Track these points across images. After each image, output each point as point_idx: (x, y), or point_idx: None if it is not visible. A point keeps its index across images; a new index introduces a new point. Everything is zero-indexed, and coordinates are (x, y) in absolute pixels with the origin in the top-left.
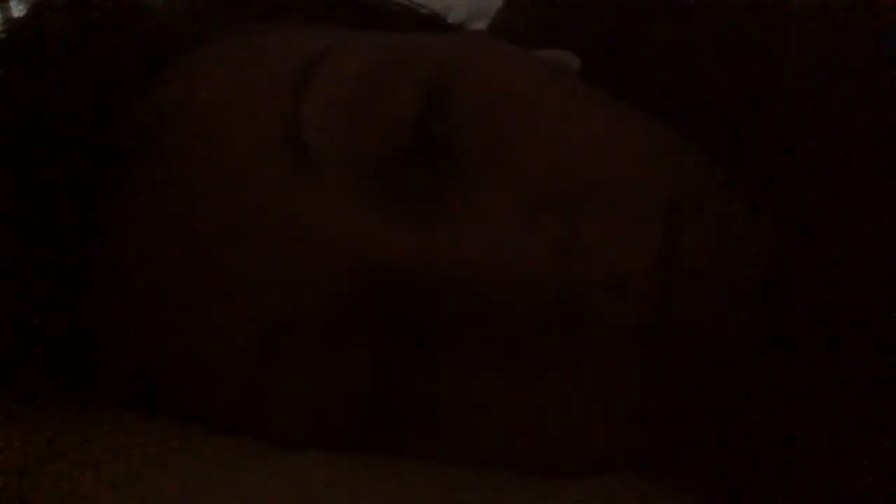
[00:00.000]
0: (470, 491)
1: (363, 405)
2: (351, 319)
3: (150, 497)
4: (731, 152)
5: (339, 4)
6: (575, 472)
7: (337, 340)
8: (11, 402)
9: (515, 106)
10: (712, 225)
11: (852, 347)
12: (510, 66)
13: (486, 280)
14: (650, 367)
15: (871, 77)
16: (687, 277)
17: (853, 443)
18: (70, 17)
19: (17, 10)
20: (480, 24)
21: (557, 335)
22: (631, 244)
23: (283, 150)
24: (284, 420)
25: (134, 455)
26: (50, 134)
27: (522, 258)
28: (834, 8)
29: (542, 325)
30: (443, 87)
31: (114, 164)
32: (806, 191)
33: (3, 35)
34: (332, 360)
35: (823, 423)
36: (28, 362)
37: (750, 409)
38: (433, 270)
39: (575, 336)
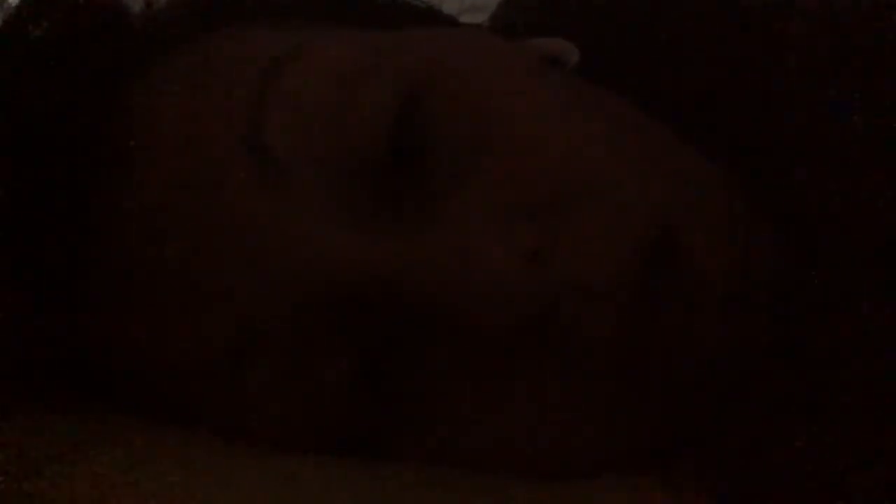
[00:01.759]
0: (466, 493)
1: (341, 412)
2: (325, 328)
3: (148, 499)
4: (732, 152)
5: (326, 1)
6: (567, 476)
7: (312, 348)
8: (9, 404)
9: (495, 109)
10: (712, 228)
11: (854, 350)
12: (494, 66)
13: (459, 289)
14: (639, 372)
15: (871, 76)
16: (682, 282)
17: (853, 443)
18: (51, 21)
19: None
20: (473, 18)
21: (534, 343)
22: (604, 253)
23: (250, 160)
24: (266, 425)
25: (131, 457)
26: (20, 140)
27: (496, 267)
28: (835, 8)
29: (517, 334)
30: (418, 91)
31: (84, 174)
32: (807, 192)
33: None
34: (308, 367)
35: (823, 424)
36: (24, 365)
37: (748, 411)
38: (406, 280)
39: (552, 344)
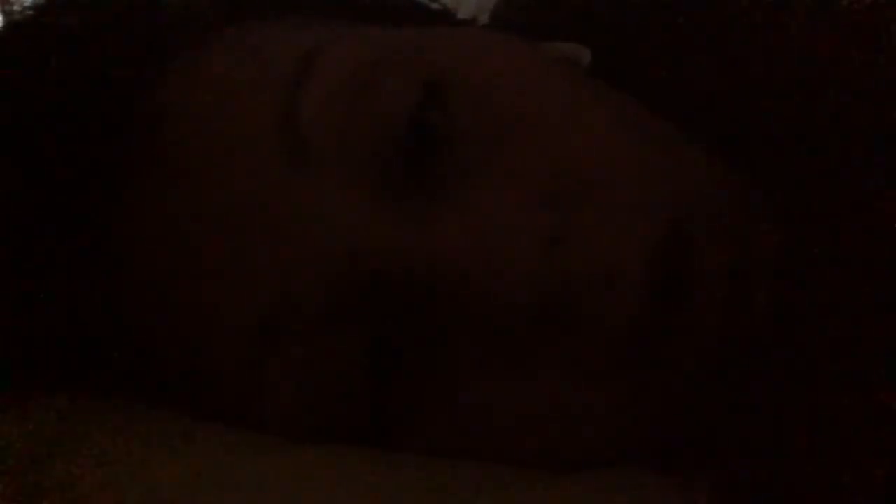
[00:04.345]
0: (472, 486)
1: (359, 396)
2: (346, 311)
3: (154, 490)
4: (737, 151)
5: (346, 0)
6: (574, 467)
7: (333, 331)
8: (15, 396)
9: (516, 101)
10: (718, 225)
11: (856, 348)
12: (512, 62)
13: (477, 274)
14: (644, 366)
15: (873, 74)
16: (691, 276)
17: (854, 443)
18: (74, 14)
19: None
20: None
21: (549, 330)
22: (625, 241)
23: (282, 144)
24: (282, 410)
25: (138, 448)
26: (52, 129)
27: (512, 253)
28: (835, 6)
29: (532, 320)
30: (440, 82)
31: (116, 158)
32: (811, 190)
33: (7, 31)
34: (328, 350)
35: (824, 423)
36: (31, 356)
37: (750, 410)
38: (426, 264)
39: (567, 331)
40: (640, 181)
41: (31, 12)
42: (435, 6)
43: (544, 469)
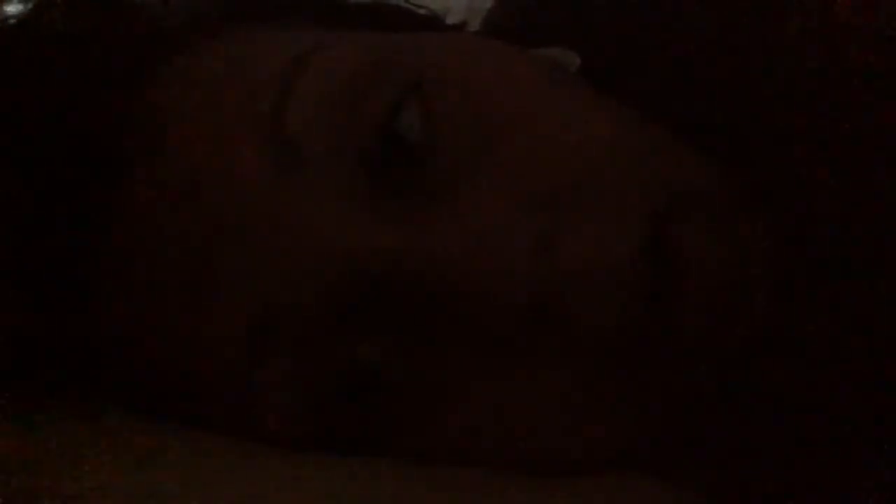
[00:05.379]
0: (469, 493)
1: (356, 399)
2: (338, 316)
3: (150, 496)
4: (730, 151)
5: (334, 6)
6: (573, 469)
7: (325, 336)
8: (10, 401)
9: (503, 105)
10: (711, 224)
11: (853, 347)
12: (501, 66)
13: (472, 276)
14: (641, 367)
15: (870, 75)
16: (683, 276)
17: (851, 442)
18: (69, 15)
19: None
20: (477, 24)
21: (545, 331)
22: (615, 242)
23: (270, 148)
24: (278, 414)
25: (133, 455)
26: (44, 134)
27: (507, 254)
28: (834, 6)
29: (529, 321)
30: (428, 85)
31: (107, 164)
32: (806, 190)
33: (1, 33)
34: (325, 353)
35: (823, 423)
36: (26, 362)
37: (748, 409)
38: (420, 267)
39: (562, 332)
40: (631, 182)
41: (13, 20)
42: (423, 11)
43: (544, 472)
